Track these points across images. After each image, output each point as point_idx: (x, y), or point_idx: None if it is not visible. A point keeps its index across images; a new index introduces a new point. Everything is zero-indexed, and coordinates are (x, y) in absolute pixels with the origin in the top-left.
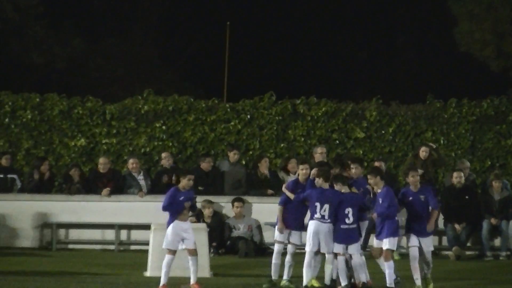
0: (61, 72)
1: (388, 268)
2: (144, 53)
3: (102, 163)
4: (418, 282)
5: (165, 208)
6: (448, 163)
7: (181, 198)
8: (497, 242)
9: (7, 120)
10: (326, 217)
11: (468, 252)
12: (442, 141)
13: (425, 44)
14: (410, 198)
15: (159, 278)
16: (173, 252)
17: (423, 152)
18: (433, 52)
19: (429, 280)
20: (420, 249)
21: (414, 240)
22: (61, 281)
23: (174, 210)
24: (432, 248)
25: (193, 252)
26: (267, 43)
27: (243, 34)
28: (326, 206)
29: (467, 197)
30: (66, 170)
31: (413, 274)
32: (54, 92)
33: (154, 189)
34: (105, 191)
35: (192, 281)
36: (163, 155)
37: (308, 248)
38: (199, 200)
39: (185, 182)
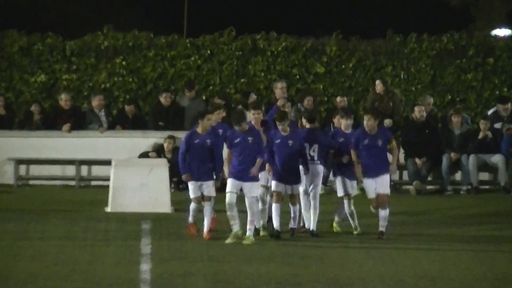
0: (22, 9)
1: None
2: None
3: (65, 99)
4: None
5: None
6: (408, 98)
7: (196, 141)
8: (458, 176)
9: None
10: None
11: (428, 187)
12: (402, 76)
13: None
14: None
15: (120, 213)
16: (197, 199)
17: (378, 86)
18: None
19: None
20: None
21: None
22: (22, 218)
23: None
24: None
25: (207, 199)
26: None
27: None
28: (315, 147)
29: (427, 131)
30: (26, 107)
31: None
32: (14, 28)
33: (114, 125)
34: (66, 127)
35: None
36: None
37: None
38: (162, 136)
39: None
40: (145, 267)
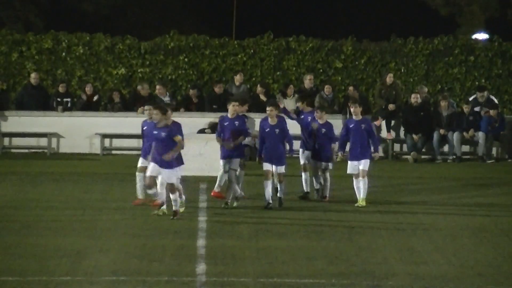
0: (106, 16)
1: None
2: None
3: (145, 88)
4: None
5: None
6: (407, 87)
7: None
8: (446, 148)
9: (64, 54)
10: None
11: (423, 156)
12: (402, 70)
13: None
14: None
15: (183, 176)
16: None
17: (389, 78)
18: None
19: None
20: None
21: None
22: (106, 180)
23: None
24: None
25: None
26: None
27: None
28: None
29: (422, 113)
30: (110, 93)
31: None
32: (101, 32)
33: (179, 107)
34: (140, 109)
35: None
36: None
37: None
38: (215, 116)
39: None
40: (202, 218)
